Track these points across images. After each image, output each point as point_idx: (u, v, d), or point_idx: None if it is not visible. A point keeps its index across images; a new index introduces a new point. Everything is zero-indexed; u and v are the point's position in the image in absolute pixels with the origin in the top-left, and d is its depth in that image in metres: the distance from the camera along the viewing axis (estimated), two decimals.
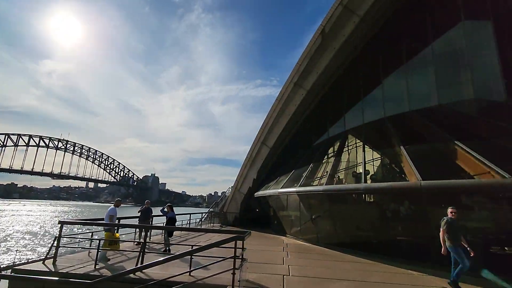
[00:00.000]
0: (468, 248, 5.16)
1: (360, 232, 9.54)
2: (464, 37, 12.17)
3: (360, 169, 10.41)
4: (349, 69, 15.92)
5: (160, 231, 10.70)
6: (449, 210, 5.55)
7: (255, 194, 16.52)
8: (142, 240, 6.63)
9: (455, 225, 5.35)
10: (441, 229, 5.43)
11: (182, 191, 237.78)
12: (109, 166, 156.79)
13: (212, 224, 18.28)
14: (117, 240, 7.01)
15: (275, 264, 6.94)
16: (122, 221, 8.90)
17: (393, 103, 13.90)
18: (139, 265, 5.33)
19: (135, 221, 9.51)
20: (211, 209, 22.25)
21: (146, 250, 6.08)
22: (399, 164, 9.98)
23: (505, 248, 6.23)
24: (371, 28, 14.17)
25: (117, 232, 7.34)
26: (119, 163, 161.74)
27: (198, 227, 15.26)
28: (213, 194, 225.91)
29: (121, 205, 8.30)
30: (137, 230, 10.20)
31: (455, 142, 7.99)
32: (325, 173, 12.32)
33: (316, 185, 11.43)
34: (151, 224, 9.58)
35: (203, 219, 19.42)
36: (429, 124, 10.23)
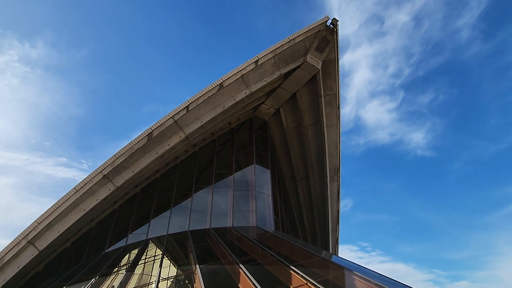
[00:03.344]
0: None
1: None
2: (255, 175, 16.12)
3: (153, 287, 9.32)
4: (166, 175, 16.41)
5: None
6: None
7: None
8: None
9: None
10: None
11: None
12: None
13: None
14: None
15: None
16: None
17: (198, 217, 14.87)
18: None
19: None
20: None
21: None
22: (192, 282, 9.87)
23: None
24: (192, 147, 16.16)
25: None
26: None
27: None
28: None
29: None
30: None
31: (240, 265, 9.09)
32: None
33: None
34: None
35: None
36: (223, 244, 11.37)
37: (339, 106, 16.16)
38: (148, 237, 14.04)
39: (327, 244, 21.95)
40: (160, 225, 14.78)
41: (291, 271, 8.70)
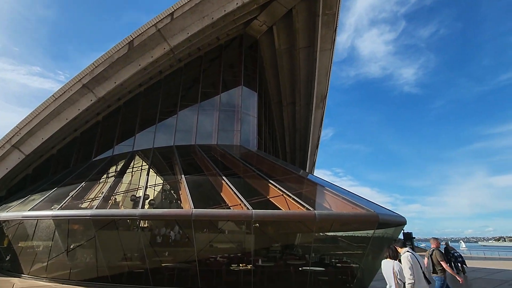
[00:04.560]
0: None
1: (127, 262, 8.88)
2: (241, 97, 15.93)
3: (141, 193, 10.08)
4: (150, 90, 15.89)
5: None
6: (435, 241, 6.16)
7: None
8: None
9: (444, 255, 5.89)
10: (442, 261, 5.67)
11: None
12: None
13: None
14: None
15: None
16: None
17: (183, 134, 15.16)
18: None
19: None
20: None
21: None
22: (178, 191, 10.73)
23: (241, 265, 8.09)
24: (177, 62, 15.24)
25: None
26: None
27: None
28: None
29: None
30: None
31: (223, 177, 9.80)
32: (100, 194, 10.80)
33: (85, 208, 9.66)
34: None
35: None
36: (207, 159, 11.97)
37: (336, 28, 15.10)
38: (134, 150, 14.43)
39: (304, 166, 23.69)
40: (146, 139, 15.06)
41: (269, 184, 9.55)
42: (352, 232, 9.73)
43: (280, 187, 9.03)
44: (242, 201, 7.83)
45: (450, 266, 13.05)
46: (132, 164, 13.69)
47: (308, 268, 7.90)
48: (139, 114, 15.44)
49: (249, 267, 7.78)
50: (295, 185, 10.17)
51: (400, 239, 6.74)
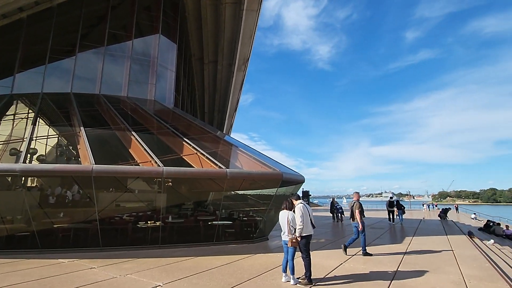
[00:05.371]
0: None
1: (6, 225, 7.54)
2: (159, 46, 14.37)
3: (24, 146, 8.41)
4: (38, 19, 12.67)
5: None
6: (356, 195, 7.39)
7: None
8: None
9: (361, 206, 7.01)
10: (357, 211, 6.82)
11: None
12: None
13: None
14: None
15: None
16: None
17: (84, 82, 12.95)
18: None
19: None
20: None
21: None
22: (76, 146, 9.38)
23: (149, 222, 7.95)
24: None
25: None
26: None
27: None
28: None
29: None
30: None
31: (132, 133, 9.02)
32: None
33: None
34: None
35: None
36: (114, 112, 10.69)
37: None
38: (13, 92, 11.64)
39: (222, 127, 23.92)
40: (31, 81, 12.26)
41: (184, 143, 9.34)
42: (260, 190, 10.70)
43: (195, 146, 8.95)
44: (153, 158, 7.48)
45: (336, 215, 16.10)
46: (11, 110, 11.10)
47: (217, 222, 8.40)
48: (21, 49, 12.28)
49: (158, 224, 7.73)
50: (211, 145, 10.25)
51: (296, 194, 7.82)
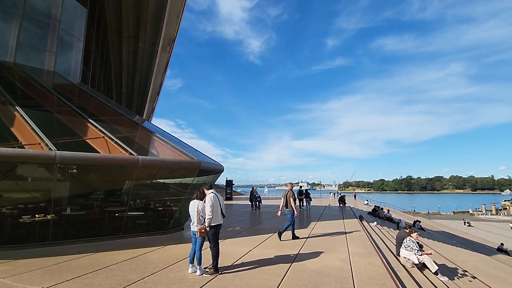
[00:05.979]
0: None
1: None
2: (63, 7, 12.06)
3: None
4: None
5: None
6: (290, 185, 8.07)
7: None
8: None
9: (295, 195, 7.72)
10: (291, 199, 7.44)
11: None
12: None
13: None
14: None
15: None
16: None
17: None
18: None
19: None
20: None
21: None
22: None
23: (37, 216, 6.69)
24: None
25: None
26: None
27: None
28: None
29: None
30: None
31: (17, 108, 7.39)
32: None
33: None
34: None
35: None
36: None
37: None
38: None
39: (142, 112, 22.01)
40: None
41: (89, 125, 8.17)
42: (180, 179, 10.26)
43: (102, 129, 7.92)
44: (44, 140, 6.28)
45: (254, 204, 16.81)
46: None
47: (126, 213, 7.69)
48: None
49: (49, 217, 6.60)
50: (124, 129, 9.26)
51: (208, 183, 7.87)
